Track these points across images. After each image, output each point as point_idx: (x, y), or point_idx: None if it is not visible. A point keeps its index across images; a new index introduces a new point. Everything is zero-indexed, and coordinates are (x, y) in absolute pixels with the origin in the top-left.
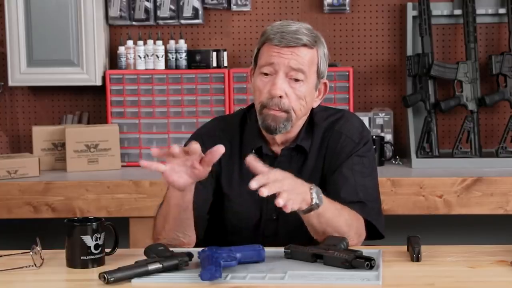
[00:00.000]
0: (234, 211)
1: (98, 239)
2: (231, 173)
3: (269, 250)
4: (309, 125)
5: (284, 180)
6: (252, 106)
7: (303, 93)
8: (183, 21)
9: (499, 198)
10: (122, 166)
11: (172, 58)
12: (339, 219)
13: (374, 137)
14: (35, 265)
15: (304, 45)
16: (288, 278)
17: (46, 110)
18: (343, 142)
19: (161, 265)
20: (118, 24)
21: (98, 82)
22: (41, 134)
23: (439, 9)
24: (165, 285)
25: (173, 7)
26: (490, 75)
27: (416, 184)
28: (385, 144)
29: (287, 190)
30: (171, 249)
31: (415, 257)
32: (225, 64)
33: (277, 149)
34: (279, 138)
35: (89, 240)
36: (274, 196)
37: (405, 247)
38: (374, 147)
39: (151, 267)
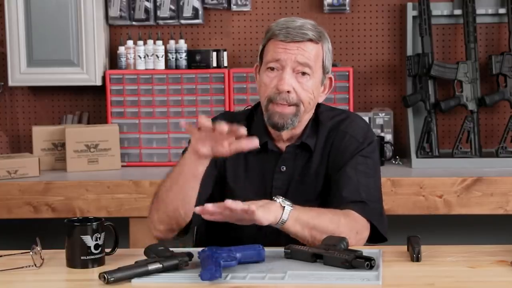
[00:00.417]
0: None
1: (98, 239)
2: (236, 168)
3: (269, 250)
4: (314, 123)
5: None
6: (258, 105)
7: (310, 87)
8: (183, 21)
9: (499, 198)
10: (122, 166)
11: (172, 58)
12: (321, 219)
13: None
14: (35, 265)
15: (310, 40)
16: (288, 278)
17: (46, 110)
18: (347, 142)
19: (161, 265)
20: (118, 24)
21: (98, 82)
22: (41, 134)
23: (439, 9)
24: (165, 285)
25: (173, 7)
26: (490, 75)
27: (416, 184)
28: (385, 144)
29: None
30: (171, 249)
31: (415, 257)
32: (225, 64)
33: (282, 145)
34: (285, 134)
35: (89, 240)
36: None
37: (405, 247)
38: None
39: (151, 267)
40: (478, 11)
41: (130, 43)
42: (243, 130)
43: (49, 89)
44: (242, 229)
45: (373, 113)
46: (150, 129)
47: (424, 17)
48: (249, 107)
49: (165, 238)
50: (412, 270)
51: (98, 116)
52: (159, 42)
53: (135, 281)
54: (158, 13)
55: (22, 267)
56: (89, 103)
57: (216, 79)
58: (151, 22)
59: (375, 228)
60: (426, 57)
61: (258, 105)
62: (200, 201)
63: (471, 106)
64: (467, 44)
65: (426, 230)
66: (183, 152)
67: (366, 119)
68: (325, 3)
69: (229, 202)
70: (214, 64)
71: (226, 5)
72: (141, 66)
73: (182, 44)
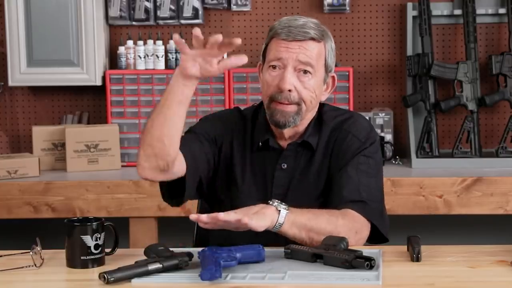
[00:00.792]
0: (242, 202)
1: (98, 239)
2: (244, 165)
3: (269, 250)
4: (317, 122)
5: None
6: (262, 103)
7: (312, 86)
8: (183, 21)
9: (499, 198)
10: (122, 166)
11: (172, 58)
12: (318, 221)
13: None
14: (35, 265)
15: (312, 38)
16: (288, 278)
17: (46, 110)
18: (349, 141)
19: (161, 265)
20: (118, 24)
21: (98, 82)
22: (41, 134)
23: (439, 9)
24: (165, 285)
25: (173, 7)
26: (490, 75)
27: (416, 184)
28: (385, 144)
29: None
30: (171, 249)
31: (415, 257)
32: None
33: (284, 143)
34: (287, 132)
35: (89, 240)
36: (278, 192)
37: (405, 247)
38: None
39: (151, 267)
40: (478, 11)
41: (130, 43)
42: (237, 40)
43: (49, 89)
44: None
45: (373, 113)
46: None
47: (424, 17)
48: (254, 104)
49: (151, 179)
50: (412, 270)
51: (98, 116)
52: (159, 42)
53: (135, 281)
54: (158, 13)
55: (22, 267)
56: (89, 103)
57: (216, 79)
58: (151, 22)
59: (376, 228)
60: (426, 57)
61: (262, 103)
62: (197, 162)
63: (471, 106)
64: (467, 44)
65: (426, 230)
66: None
67: (370, 122)
68: (325, 3)
69: (221, 215)
70: None
71: (226, 5)
72: (141, 66)
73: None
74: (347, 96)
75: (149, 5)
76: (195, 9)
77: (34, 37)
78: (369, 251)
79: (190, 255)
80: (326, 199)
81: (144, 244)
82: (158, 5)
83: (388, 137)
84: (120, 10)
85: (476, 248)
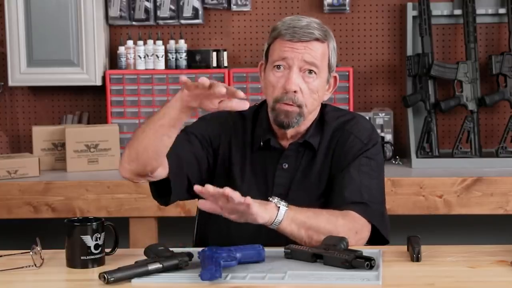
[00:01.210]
0: None
1: (98, 239)
2: (243, 165)
3: (269, 250)
4: (319, 122)
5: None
6: (264, 102)
7: (316, 87)
8: (183, 21)
9: (499, 198)
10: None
11: (172, 58)
12: (317, 219)
13: None
14: (35, 265)
15: (316, 39)
16: (288, 278)
17: (46, 110)
18: (351, 142)
19: (161, 265)
20: (118, 24)
21: (98, 82)
22: (41, 134)
23: (439, 9)
24: (165, 285)
25: (173, 7)
26: (490, 75)
27: (416, 184)
28: (385, 144)
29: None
30: (171, 249)
31: (415, 257)
32: (225, 64)
33: (286, 143)
34: (289, 132)
35: (89, 240)
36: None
37: (405, 247)
38: None
39: (151, 267)
40: (478, 11)
41: (130, 43)
42: (241, 94)
43: (49, 89)
44: (242, 229)
45: (373, 113)
46: None
47: (424, 17)
48: (255, 104)
49: (130, 179)
50: (412, 270)
51: (98, 116)
52: (159, 42)
53: (135, 281)
54: (158, 13)
55: (22, 267)
56: (89, 103)
57: (216, 79)
58: (151, 22)
59: (377, 230)
60: (426, 57)
61: (263, 102)
62: (185, 163)
63: (471, 106)
64: (467, 44)
65: (426, 230)
66: None
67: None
68: (325, 3)
69: (227, 190)
70: (214, 64)
71: (226, 5)
72: (141, 66)
73: (182, 44)
74: (347, 96)
75: (149, 5)
76: (195, 9)
77: (34, 37)
78: (369, 251)
79: (190, 255)
80: (327, 199)
81: (144, 244)
82: (158, 5)
83: (388, 137)
84: (120, 10)
85: (476, 248)
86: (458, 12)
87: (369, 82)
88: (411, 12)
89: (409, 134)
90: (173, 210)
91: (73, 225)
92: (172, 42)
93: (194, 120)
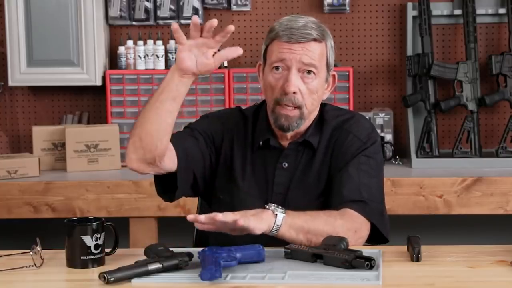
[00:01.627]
0: (242, 201)
1: (98, 239)
2: (244, 165)
3: (269, 250)
4: (319, 122)
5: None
6: (263, 102)
7: (315, 87)
8: (183, 21)
9: (499, 198)
10: (122, 166)
11: (172, 58)
12: (315, 222)
13: None
14: (35, 265)
15: (314, 39)
16: (288, 278)
17: (46, 110)
18: (350, 141)
19: (161, 265)
20: (118, 24)
21: (98, 82)
22: (41, 134)
23: (439, 9)
24: (165, 285)
25: (173, 7)
26: (490, 75)
27: (416, 184)
28: (385, 144)
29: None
30: (171, 249)
31: (415, 257)
32: (225, 64)
33: (285, 142)
34: (289, 133)
35: (89, 240)
36: (279, 191)
37: (405, 247)
38: None
39: (151, 267)
40: (478, 11)
41: (130, 43)
42: (231, 28)
43: (49, 89)
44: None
45: (373, 113)
46: None
47: (424, 17)
48: (255, 104)
49: (138, 170)
50: (412, 270)
51: (98, 116)
52: (159, 42)
53: (135, 281)
54: (158, 13)
55: (22, 267)
56: (89, 103)
57: (216, 79)
58: (151, 22)
59: (376, 229)
60: (426, 57)
61: (263, 102)
62: (190, 160)
63: (471, 106)
64: (467, 44)
65: (426, 230)
66: None
67: (371, 122)
68: (325, 3)
69: (218, 216)
70: None
71: (226, 5)
72: (141, 66)
73: None
74: (347, 96)
75: (149, 5)
76: (195, 9)
77: (34, 37)
78: (369, 251)
79: (190, 255)
80: (326, 198)
81: (144, 244)
82: (158, 5)
83: (388, 137)
84: (120, 10)
85: (476, 248)
86: (458, 12)
87: (369, 82)
88: (411, 12)
89: (409, 134)
90: (173, 210)
91: (73, 225)
92: (172, 42)
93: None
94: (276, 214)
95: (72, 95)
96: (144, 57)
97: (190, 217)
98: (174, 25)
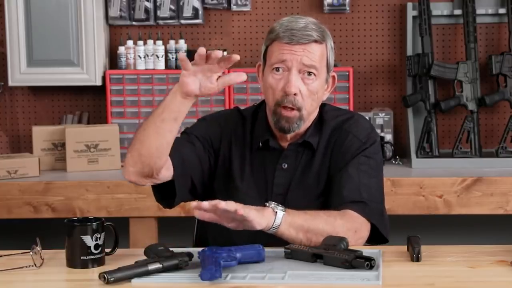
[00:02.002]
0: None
1: (98, 239)
2: (243, 166)
3: (269, 250)
4: (318, 122)
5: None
6: (262, 102)
7: (316, 88)
8: (183, 21)
9: (499, 198)
10: (122, 166)
11: (172, 58)
12: (315, 221)
13: None
14: (35, 265)
15: (315, 41)
16: (288, 278)
17: (46, 110)
18: (350, 141)
19: (161, 265)
20: (118, 24)
21: (98, 82)
22: (41, 134)
23: (439, 9)
24: (165, 285)
25: (173, 7)
26: (490, 75)
27: (416, 184)
28: (385, 144)
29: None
30: (171, 249)
31: (415, 257)
32: None
33: (285, 143)
34: (289, 134)
35: (89, 240)
36: (279, 192)
37: (405, 247)
38: None
39: (151, 267)
40: (478, 11)
41: (130, 43)
42: (236, 57)
43: (49, 89)
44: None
45: (373, 113)
46: None
47: (424, 17)
48: (255, 104)
49: (136, 182)
50: (412, 270)
51: (98, 116)
52: (159, 42)
53: (135, 281)
54: (158, 13)
55: (22, 267)
56: (89, 103)
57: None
58: (151, 22)
59: (376, 229)
60: (426, 57)
61: (262, 102)
62: (188, 168)
63: (471, 106)
64: (467, 44)
65: (426, 230)
66: None
67: (371, 122)
68: (325, 3)
69: (221, 204)
70: None
71: (226, 5)
72: (141, 66)
73: (182, 44)
74: (347, 96)
75: (149, 5)
76: (195, 9)
77: (34, 37)
78: (369, 251)
79: (190, 255)
80: (326, 198)
81: (144, 244)
82: (158, 5)
83: (388, 137)
84: (120, 10)
85: (476, 248)
86: (458, 12)
87: (369, 82)
88: (411, 12)
89: (409, 134)
90: (173, 210)
91: (73, 225)
92: (172, 42)
93: (193, 122)
94: (276, 212)
95: (72, 95)
96: (144, 57)
97: (193, 204)
98: (181, 54)
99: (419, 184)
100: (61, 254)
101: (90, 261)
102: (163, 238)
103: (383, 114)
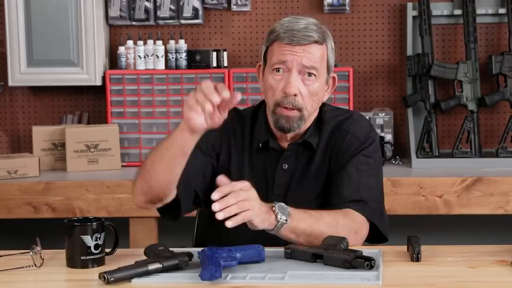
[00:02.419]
0: None
1: (98, 239)
2: (241, 166)
3: (269, 250)
4: (318, 122)
5: (247, 199)
6: (262, 103)
7: (316, 89)
8: (183, 21)
9: (499, 198)
10: (122, 166)
11: (172, 58)
12: (319, 226)
13: None
14: (35, 265)
15: (315, 41)
16: (288, 278)
17: (46, 110)
18: (349, 141)
19: (161, 265)
20: (118, 24)
21: (98, 82)
22: (41, 134)
23: (439, 9)
24: (165, 285)
25: (173, 7)
26: (490, 75)
27: (416, 184)
28: (385, 144)
29: (250, 208)
30: (171, 249)
31: (415, 257)
32: (225, 64)
33: (285, 144)
34: (289, 134)
35: (89, 240)
36: (279, 192)
37: (405, 247)
38: None
39: (151, 267)
40: (478, 11)
41: (130, 43)
42: (239, 97)
43: (49, 89)
44: (241, 231)
45: (373, 113)
46: (150, 129)
47: (424, 17)
48: (254, 105)
49: (144, 208)
50: (412, 270)
51: (98, 116)
52: (159, 42)
53: (135, 281)
54: (158, 13)
55: (22, 267)
56: (89, 103)
57: (216, 79)
58: (151, 22)
59: (376, 228)
60: (426, 57)
61: (261, 103)
62: (192, 182)
63: (471, 106)
64: (467, 44)
65: (426, 230)
66: None
67: (370, 121)
68: (325, 3)
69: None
70: (214, 64)
71: (226, 5)
72: (141, 66)
73: (182, 44)
74: (347, 96)
75: (149, 5)
76: (195, 9)
77: (34, 37)
78: (369, 251)
79: (190, 255)
80: (325, 198)
81: (144, 244)
82: (158, 5)
83: (388, 137)
84: (120, 10)
85: (476, 248)
86: (458, 12)
87: (369, 82)
88: (411, 12)
89: (409, 134)
90: None
91: (73, 225)
92: (172, 42)
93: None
94: (279, 221)
95: (72, 95)
96: (144, 57)
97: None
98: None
99: (419, 184)
100: (61, 254)
101: (90, 261)
102: (163, 238)
103: (383, 114)
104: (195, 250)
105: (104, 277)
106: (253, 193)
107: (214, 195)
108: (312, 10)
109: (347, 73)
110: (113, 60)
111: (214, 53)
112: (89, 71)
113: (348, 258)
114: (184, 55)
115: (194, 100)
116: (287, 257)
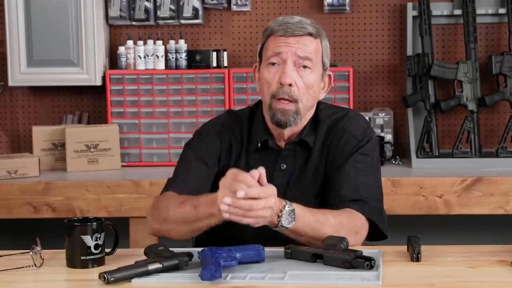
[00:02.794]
0: None
1: (98, 239)
2: (240, 167)
3: (269, 250)
4: (314, 121)
5: (264, 207)
6: (259, 103)
7: (311, 82)
8: (183, 21)
9: (499, 198)
10: (122, 166)
11: (172, 58)
12: (323, 230)
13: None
14: (35, 265)
15: (309, 34)
16: (288, 278)
17: (46, 110)
18: (345, 140)
19: (161, 265)
20: (118, 24)
21: (98, 82)
22: (41, 134)
23: (439, 9)
24: (165, 285)
25: (173, 7)
26: (490, 75)
27: (416, 184)
28: (385, 144)
29: (258, 221)
30: (171, 249)
31: (415, 257)
32: (225, 64)
33: (282, 143)
34: (286, 132)
35: (89, 240)
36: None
37: (405, 247)
38: None
39: (151, 267)
40: (478, 11)
41: (130, 43)
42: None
43: (49, 89)
44: (242, 229)
45: (373, 113)
46: (150, 129)
47: (424, 17)
48: (250, 105)
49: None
50: (412, 270)
51: (98, 116)
52: (159, 42)
53: (135, 281)
54: (158, 13)
55: (22, 267)
56: (89, 103)
57: (216, 79)
58: (151, 22)
59: (375, 226)
60: (426, 57)
61: (258, 103)
62: (199, 189)
63: (471, 106)
64: (467, 44)
65: (426, 230)
66: (183, 151)
67: (366, 119)
68: (325, 3)
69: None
70: (214, 64)
71: (226, 5)
72: (141, 66)
73: (182, 44)
74: (347, 96)
75: (149, 5)
76: (195, 9)
77: (34, 37)
78: (369, 251)
79: (190, 255)
80: (323, 198)
81: (144, 244)
82: (158, 5)
83: (388, 137)
84: (120, 10)
85: (476, 248)
86: (458, 12)
87: (369, 82)
88: (411, 12)
89: (409, 134)
90: None
91: (73, 225)
92: (172, 42)
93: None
94: (279, 227)
95: (72, 95)
96: (144, 57)
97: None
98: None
99: (419, 184)
100: (61, 254)
101: (90, 261)
102: (163, 238)
103: (383, 114)
104: (195, 250)
105: (104, 277)
106: (272, 201)
107: (240, 193)
108: (312, 10)
109: (347, 73)
110: (113, 60)
111: (214, 53)
112: (89, 71)
113: (348, 258)
114: (184, 55)
115: (239, 210)
116: (287, 257)
